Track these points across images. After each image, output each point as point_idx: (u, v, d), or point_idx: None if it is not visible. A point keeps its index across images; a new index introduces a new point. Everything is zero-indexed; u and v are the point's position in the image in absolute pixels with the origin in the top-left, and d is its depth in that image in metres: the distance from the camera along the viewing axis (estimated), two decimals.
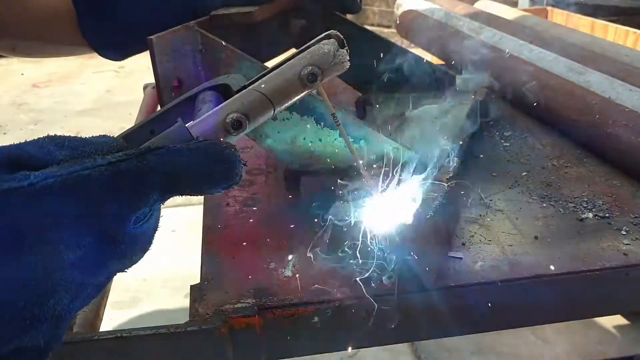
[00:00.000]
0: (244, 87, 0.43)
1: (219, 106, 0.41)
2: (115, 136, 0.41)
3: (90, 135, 0.40)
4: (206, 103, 0.44)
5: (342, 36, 0.42)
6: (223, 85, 0.46)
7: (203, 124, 0.41)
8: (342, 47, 0.42)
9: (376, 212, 0.59)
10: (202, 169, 0.38)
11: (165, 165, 0.37)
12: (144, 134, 0.43)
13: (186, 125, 0.40)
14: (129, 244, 0.37)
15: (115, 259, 0.37)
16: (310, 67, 0.41)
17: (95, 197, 0.35)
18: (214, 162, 0.38)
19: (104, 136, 0.40)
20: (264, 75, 0.42)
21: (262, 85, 0.41)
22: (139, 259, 0.39)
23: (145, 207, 0.37)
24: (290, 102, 0.42)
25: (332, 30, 0.42)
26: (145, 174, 0.36)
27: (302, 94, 0.42)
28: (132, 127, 0.44)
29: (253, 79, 0.43)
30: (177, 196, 0.39)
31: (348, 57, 0.42)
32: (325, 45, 0.41)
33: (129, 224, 0.37)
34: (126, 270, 0.39)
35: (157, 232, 0.40)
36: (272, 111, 0.42)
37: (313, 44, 0.42)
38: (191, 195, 0.39)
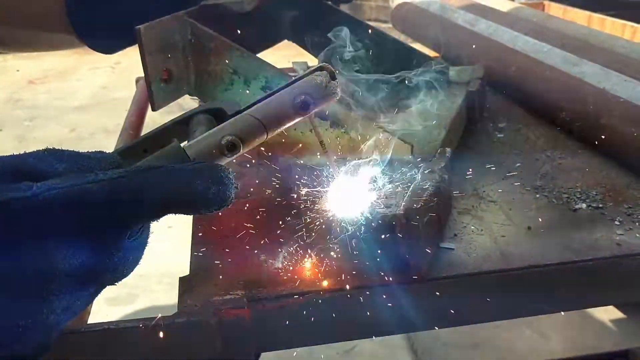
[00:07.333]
0: (239, 112, 0.44)
1: (215, 128, 0.43)
2: (110, 152, 0.43)
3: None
4: (201, 125, 0.46)
5: (333, 69, 0.45)
6: (217, 109, 0.47)
7: (199, 145, 0.42)
8: (334, 79, 0.44)
9: (365, 202, 0.58)
10: (198, 190, 0.38)
11: (163, 184, 0.38)
12: (137, 152, 0.45)
13: (182, 145, 0.42)
14: (123, 257, 0.38)
15: (108, 272, 0.38)
16: (303, 96, 0.43)
17: (95, 211, 0.36)
18: (210, 184, 0.39)
19: (101, 152, 0.42)
20: (259, 101, 0.45)
21: (257, 111, 0.44)
22: (129, 273, 0.40)
23: (141, 222, 0.38)
24: (282, 128, 0.44)
25: (324, 63, 0.45)
26: (144, 191, 0.37)
27: (294, 121, 0.44)
28: (126, 144, 0.46)
29: (248, 105, 0.45)
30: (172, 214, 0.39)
31: (339, 89, 0.44)
32: (318, 77, 0.44)
33: (125, 238, 0.38)
34: (116, 283, 0.40)
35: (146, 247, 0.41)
36: (265, 135, 0.44)
37: (306, 75, 0.44)
38: (184, 214, 0.40)
